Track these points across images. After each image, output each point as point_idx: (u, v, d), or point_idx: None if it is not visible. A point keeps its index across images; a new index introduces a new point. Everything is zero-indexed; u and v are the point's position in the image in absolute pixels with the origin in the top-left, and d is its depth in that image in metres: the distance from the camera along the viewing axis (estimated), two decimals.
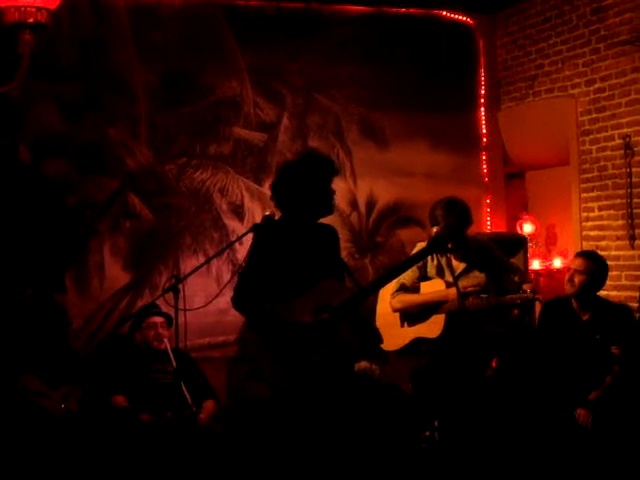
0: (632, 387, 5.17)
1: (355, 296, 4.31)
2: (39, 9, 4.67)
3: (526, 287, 5.43)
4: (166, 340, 5.60)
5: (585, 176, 6.76)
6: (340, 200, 7.02)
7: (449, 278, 5.35)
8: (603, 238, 6.59)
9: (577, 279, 5.29)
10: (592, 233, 6.69)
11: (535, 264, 7.30)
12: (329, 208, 4.45)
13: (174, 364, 5.43)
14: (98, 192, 6.39)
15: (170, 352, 5.49)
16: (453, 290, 5.18)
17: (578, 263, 5.34)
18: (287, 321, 4.24)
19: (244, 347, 4.40)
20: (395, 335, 5.47)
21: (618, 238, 6.45)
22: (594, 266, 5.32)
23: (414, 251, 5.56)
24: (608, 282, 6.34)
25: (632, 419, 5.08)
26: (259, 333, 4.34)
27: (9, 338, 5.49)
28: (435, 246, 4.67)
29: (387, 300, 5.51)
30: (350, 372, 4.56)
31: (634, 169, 6.30)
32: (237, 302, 4.35)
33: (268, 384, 4.38)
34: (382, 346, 5.50)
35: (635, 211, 6.30)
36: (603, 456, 4.96)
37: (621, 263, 6.41)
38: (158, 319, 5.69)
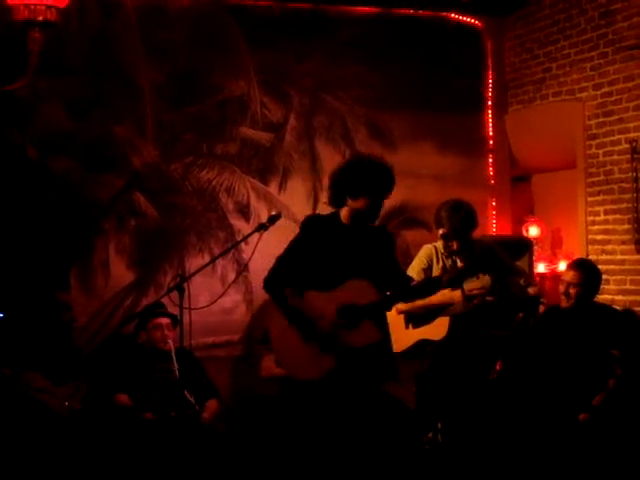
0: (634, 391, 5.18)
1: (382, 301, 4.40)
2: (49, 7, 4.69)
3: (531, 290, 5.43)
4: (170, 342, 5.60)
5: (591, 180, 6.76)
6: None
7: None
8: (609, 242, 6.58)
9: (572, 291, 5.31)
10: (598, 237, 6.68)
11: (540, 267, 7.28)
12: (373, 219, 4.51)
13: (176, 370, 5.43)
14: (104, 190, 6.39)
15: (174, 355, 5.50)
16: (458, 293, 5.17)
17: (571, 275, 5.34)
18: (305, 321, 4.35)
19: (265, 325, 4.54)
20: (400, 337, 5.46)
21: (624, 242, 6.44)
22: (588, 276, 5.34)
23: (419, 253, 5.59)
24: (613, 287, 6.38)
25: (635, 423, 5.08)
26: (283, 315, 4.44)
27: (14, 335, 5.50)
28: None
29: None
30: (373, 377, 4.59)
31: None
32: (267, 284, 4.51)
33: (281, 372, 4.47)
34: None
35: None
36: (606, 459, 4.96)
37: (626, 267, 6.40)
38: (164, 320, 5.69)
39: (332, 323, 4.36)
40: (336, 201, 4.50)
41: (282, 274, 4.48)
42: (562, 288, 5.38)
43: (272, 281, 4.50)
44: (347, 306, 4.34)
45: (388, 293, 4.51)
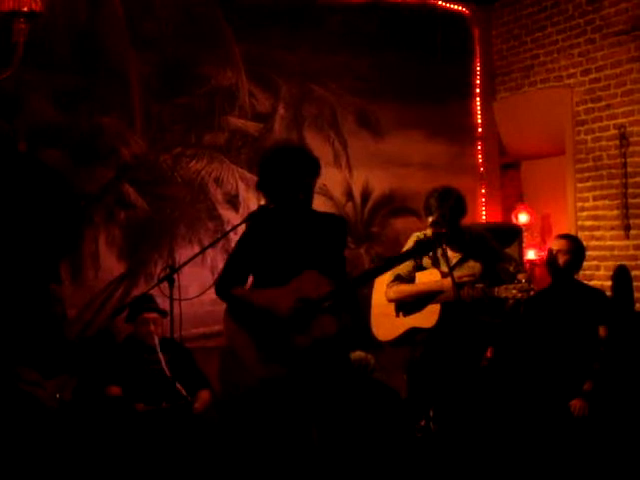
0: (620, 371, 5.25)
1: (335, 290, 4.30)
2: None
3: (521, 277, 5.44)
4: (156, 338, 5.60)
5: (580, 166, 6.77)
6: (335, 190, 7.04)
7: (444, 268, 5.35)
8: (598, 228, 6.60)
9: (561, 259, 5.50)
10: (587, 223, 6.70)
11: (530, 254, 7.31)
12: (300, 200, 4.38)
13: (162, 359, 5.43)
14: (93, 182, 6.36)
15: (159, 349, 5.50)
16: (448, 280, 5.17)
17: (561, 243, 5.57)
18: (263, 314, 4.27)
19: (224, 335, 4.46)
20: (390, 325, 5.47)
21: (613, 228, 6.47)
22: (576, 246, 5.58)
23: (409, 241, 5.59)
24: (603, 272, 6.42)
25: (623, 404, 5.12)
26: (238, 321, 4.36)
27: (4, 328, 5.48)
28: (427, 245, 4.73)
29: (382, 290, 5.50)
30: (343, 363, 4.56)
31: (629, 159, 6.31)
32: (218, 289, 4.43)
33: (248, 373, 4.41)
34: (377, 336, 5.56)
35: (630, 201, 6.32)
36: (598, 444, 4.99)
37: (616, 253, 6.43)
38: (152, 315, 5.69)
39: (287, 319, 4.28)
40: (275, 199, 4.38)
41: (232, 275, 4.39)
42: (550, 256, 5.59)
43: (222, 284, 4.41)
44: (300, 299, 4.25)
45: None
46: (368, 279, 4.88)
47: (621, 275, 6.29)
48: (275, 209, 4.41)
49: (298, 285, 4.27)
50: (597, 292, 5.67)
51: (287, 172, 4.33)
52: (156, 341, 5.57)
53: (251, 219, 4.44)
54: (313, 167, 4.39)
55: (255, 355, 4.29)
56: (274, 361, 4.26)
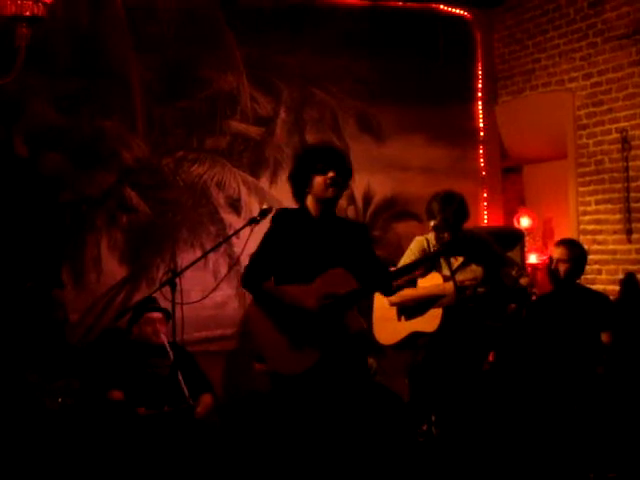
0: (623, 375, 5.24)
1: (363, 288, 4.38)
2: (36, 2, 4.65)
3: (523, 281, 5.44)
4: (163, 335, 5.59)
5: (582, 170, 6.77)
6: None
7: (446, 272, 5.35)
8: (600, 232, 6.59)
9: (561, 268, 5.43)
10: (589, 227, 6.70)
11: (532, 258, 7.30)
12: (333, 201, 4.46)
13: (171, 357, 5.43)
14: (94, 186, 6.36)
15: (167, 346, 5.49)
16: (450, 284, 5.17)
17: (560, 252, 5.49)
18: (290, 306, 4.31)
19: (247, 326, 4.48)
20: (392, 329, 5.47)
21: (615, 232, 6.46)
22: (576, 253, 5.50)
23: (411, 245, 5.59)
24: (605, 276, 6.41)
25: (628, 409, 5.11)
26: (267, 313, 4.41)
27: (7, 332, 5.48)
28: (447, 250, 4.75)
29: None
30: (361, 366, 4.58)
31: (631, 163, 6.30)
32: (245, 281, 4.49)
33: (267, 368, 4.42)
34: (379, 340, 5.56)
35: (632, 205, 6.31)
36: (600, 447, 4.98)
37: (618, 257, 6.42)
38: (156, 315, 5.68)
39: (315, 313, 4.32)
40: (298, 195, 4.50)
41: (258, 270, 4.45)
42: (550, 266, 5.53)
43: (249, 278, 4.47)
44: (327, 295, 4.31)
45: None
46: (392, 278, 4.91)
47: (629, 282, 6.25)
48: (300, 210, 4.47)
49: (324, 282, 4.32)
50: (601, 297, 5.62)
51: (300, 164, 4.47)
52: (164, 339, 5.55)
53: (276, 219, 4.49)
54: (329, 164, 4.41)
55: (285, 344, 4.33)
56: (304, 350, 4.29)
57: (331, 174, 4.37)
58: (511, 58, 7.52)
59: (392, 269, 4.88)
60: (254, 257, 4.49)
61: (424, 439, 5.49)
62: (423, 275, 5.41)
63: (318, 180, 4.38)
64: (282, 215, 4.51)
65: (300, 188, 4.47)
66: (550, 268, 5.55)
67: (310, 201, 4.45)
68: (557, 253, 5.50)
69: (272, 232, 4.48)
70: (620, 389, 5.21)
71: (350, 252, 4.42)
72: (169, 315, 5.42)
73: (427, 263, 5.23)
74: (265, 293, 4.42)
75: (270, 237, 4.47)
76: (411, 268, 4.94)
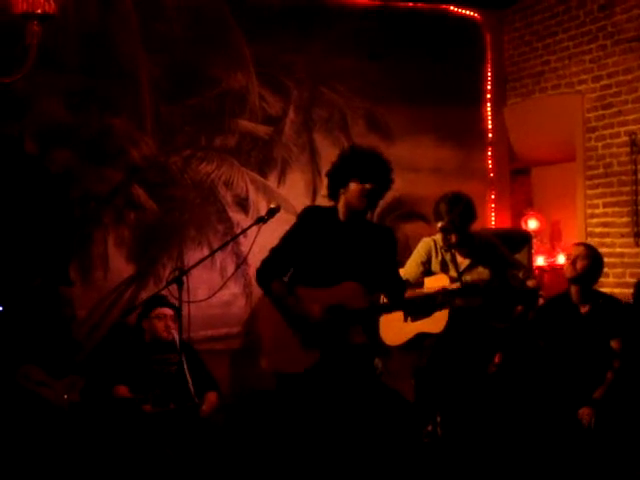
0: (633, 382, 5.19)
1: (370, 308, 4.39)
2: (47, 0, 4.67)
3: (530, 283, 5.44)
4: (174, 331, 5.58)
5: (590, 173, 6.76)
6: None
7: (453, 274, 5.35)
8: (608, 235, 6.58)
9: (579, 264, 5.35)
10: (597, 230, 6.69)
11: (540, 260, 7.29)
12: (364, 211, 4.43)
13: (181, 358, 5.42)
14: (102, 183, 6.36)
15: (177, 342, 5.48)
16: (457, 285, 5.17)
17: (580, 249, 5.43)
18: (294, 312, 4.31)
19: (255, 318, 4.50)
20: (398, 330, 5.47)
21: (623, 235, 6.45)
22: (595, 253, 5.43)
23: (418, 246, 5.59)
24: (612, 279, 6.39)
25: (634, 416, 5.09)
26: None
27: (13, 328, 5.49)
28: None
29: None
30: (366, 366, 4.58)
31: (639, 166, 6.29)
32: (259, 275, 4.48)
33: (268, 365, 4.44)
34: (385, 340, 5.56)
35: None
36: (605, 453, 4.97)
37: (626, 260, 6.40)
38: (168, 311, 5.67)
39: (317, 324, 4.31)
40: (332, 193, 4.48)
41: (275, 265, 4.45)
42: (568, 261, 5.43)
43: (264, 271, 4.47)
44: (334, 307, 4.29)
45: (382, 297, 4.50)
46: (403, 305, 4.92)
47: None
48: (329, 210, 4.45)
49: (335, 292, 4.29)
50: (614, 301, 5.51)
51: (341, 165, 4.41)
52: (175, 336, 5.53)
53: (302, 216, 4.50)
54: (370, 175, 4.34)
55: (290, 342, 4.34)
56: (306, 350, 4.31)
57: (368, 186, 4.32)
58: (520, 60, 7.51)
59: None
60: (273, 251, 4.49)
61: (429, 440, 5.50)
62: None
63: (354, 187, 4.34)
64: (310, 213, 4.50)
65: (335, 188, 4.43)
66: (567, 264, 5.44)
67: (342, 204, 4.42)
68: (576, 250, 5.43)
69: (296, 228, 4.48)
70: (628, 394, 5.18)
71: (371, 258, 4.38)
72: (179, 312, 5.43)
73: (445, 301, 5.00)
74: (272, 291, 4.41)
75: (293, 233, 4.47)
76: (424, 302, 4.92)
